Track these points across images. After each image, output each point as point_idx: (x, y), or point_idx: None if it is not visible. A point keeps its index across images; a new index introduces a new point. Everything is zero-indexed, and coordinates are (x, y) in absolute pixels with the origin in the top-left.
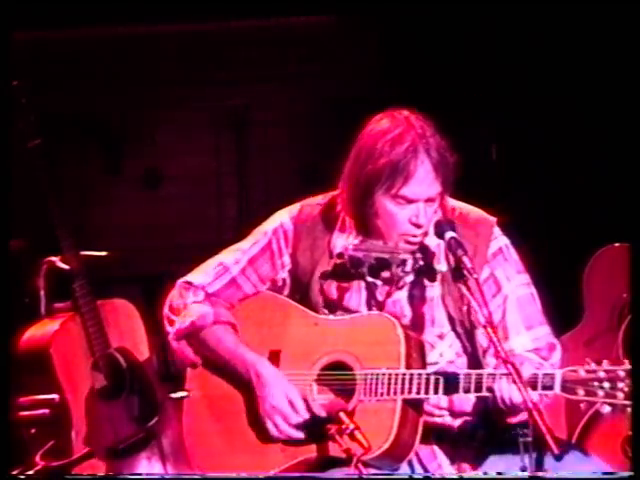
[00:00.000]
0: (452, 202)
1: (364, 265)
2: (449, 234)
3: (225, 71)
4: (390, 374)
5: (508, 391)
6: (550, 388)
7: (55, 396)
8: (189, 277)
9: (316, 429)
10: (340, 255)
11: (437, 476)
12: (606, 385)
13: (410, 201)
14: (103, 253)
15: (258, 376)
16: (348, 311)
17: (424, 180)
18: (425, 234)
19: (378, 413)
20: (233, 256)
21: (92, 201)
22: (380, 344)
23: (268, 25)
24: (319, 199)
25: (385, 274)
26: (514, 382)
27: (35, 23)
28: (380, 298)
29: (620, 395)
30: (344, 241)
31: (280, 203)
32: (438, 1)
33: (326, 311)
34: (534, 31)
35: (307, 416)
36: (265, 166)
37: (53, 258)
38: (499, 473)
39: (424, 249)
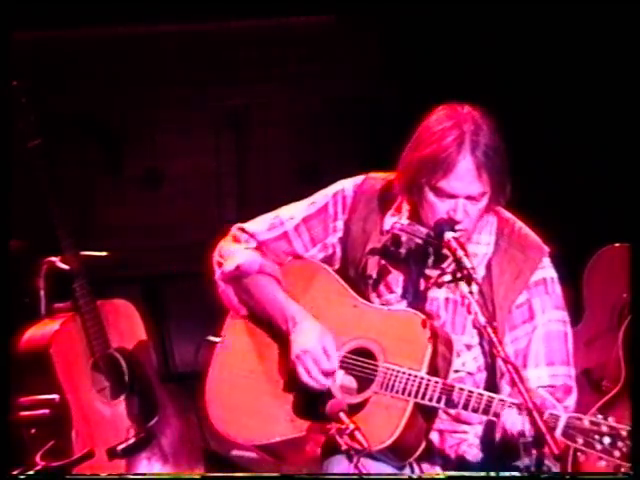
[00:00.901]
0: (513, 218)
1: (403, 246)
2: (449, 234)
3: (225, 71)
4: (409, 375)
5: (511, 422)
6: (552, 429)
7: (55, 396)
8: (244, 224)
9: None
10: (386, 232)
11: (436, 476)
12: (606, 441)
13: (450, 195)
14: (103, 253)
15: (296, 323)
16: (388, 290)
17: (464, 176)
18: (469, 237)
19: (389, 409)
20: (290, 212)
21: (92, 201)
22: (408, 342)
23: (268, 25)
24: (385, 175)
25: (422, 264)
26: (514, 384)
27: (35, 23)
28: (418, 289)
29: (617, 454)
30: (391, 223)
31: (280, 203)
32: (438, 1)
33: (370, 289)
34: (534, 31)
35: (337, 366)
36: (265, 166)
37: (53, 258)
38: (499, 473)
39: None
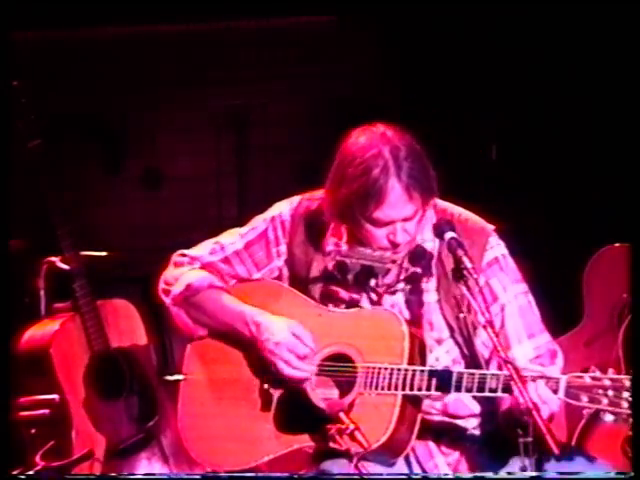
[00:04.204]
0: (450, 207)
1: (350, 272)
2: (449, 234)
3: (225, 71)
4: (392, 369)
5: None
6: (554, 393)
7: (55, 396)
8: (184, 250)
9: (314, 419)
10: (328, 253)
11: (435, 476)
12: (610, 393)
13: (386, 223)
14: (103, 253)
15: (258, 324)
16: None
17: (396, 204)
18: (411, 243)
19: (378, 407)
20: (230, 238)
21: (92, 201)
22: (384, 339)
23: (268, 25)
24: (320, 194)
25: (372, 282)
26: (514, 383)
27: (35, 23)
28: (372, 302)
29: (624, 404)
30: (333, 246)
31: None
32: (438, 1)
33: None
34: (534, 31)
35: (314, 346)
36: (265, 166)
37: (53, 258)
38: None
39: (413, 257)
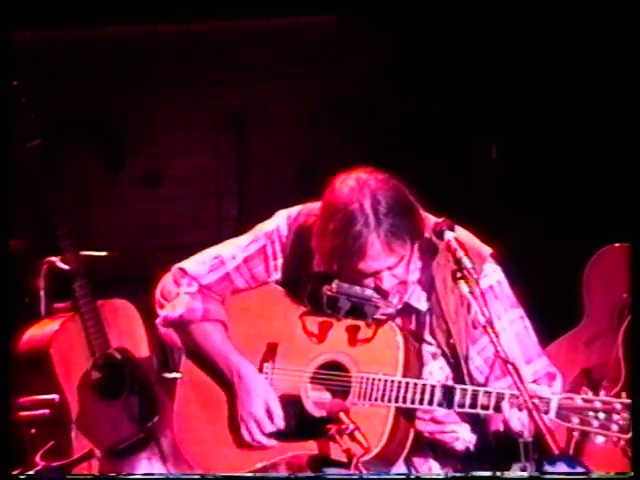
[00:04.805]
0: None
1: (340, 310)
2: (449, 234)
3: (225, 71)
4: (386, 380)
5: (509, 414)
6: (545, 413)
7: (55, 396)
8: (185, 264)
9: (308, 427)
10: (319, 295)
11: (435, 476)
12: (601, 416)
13: (371, 273)
14: (103, 253)
15: (240, 378)
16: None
17: (378, 257)
18: (406, 270)
19: (370, 418)
20: (230, 251)
21: (92, 201)
22: (379, 349)
23: (268, 25)
24: (317, 208)
25: (361, 317)
26: (514, 383)
27: (35, 23)
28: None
29: (614, 427)
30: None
31: (280, 203)
32: (438, 1)
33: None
34: (534, 30)
35: (282, 425)
36: (265, 166)
37: (53, 258)
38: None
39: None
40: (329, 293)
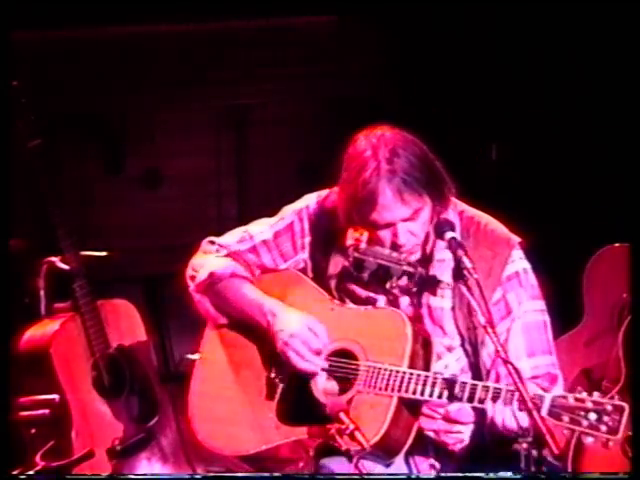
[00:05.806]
0: (478, 215)
1: (366, 270)
2: (449, 234)
3: (225, 71)
4: (391, 370)
5: (502, 414)
6: (538, 410)
7: (55, 396)
8: (213, 238)
9: (314, 413)
10: (347, 256)
11: (435, 476)
12: (592, 416)
13: (385, 224)
14: (103, 253)
15: (274, 315)
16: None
17: (390, 206)
18: (424, 245)
19: (373, 406)
20: (259, 227)
21: (92, 201)
22: (388, 339)
23: (268, 25)
24: None
25: (387, 284)
26: (514, 383)
27: (35, 23)
28: (388, 302)
29: (603, 428)
30: (352, 241)
31: (280, 203)
32: (438, 1)
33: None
34: (534, 30)
35: (327, 341)
36: (265, 166)
37: (53, 258)
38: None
39: (427, 261)
40: (356, 254)
